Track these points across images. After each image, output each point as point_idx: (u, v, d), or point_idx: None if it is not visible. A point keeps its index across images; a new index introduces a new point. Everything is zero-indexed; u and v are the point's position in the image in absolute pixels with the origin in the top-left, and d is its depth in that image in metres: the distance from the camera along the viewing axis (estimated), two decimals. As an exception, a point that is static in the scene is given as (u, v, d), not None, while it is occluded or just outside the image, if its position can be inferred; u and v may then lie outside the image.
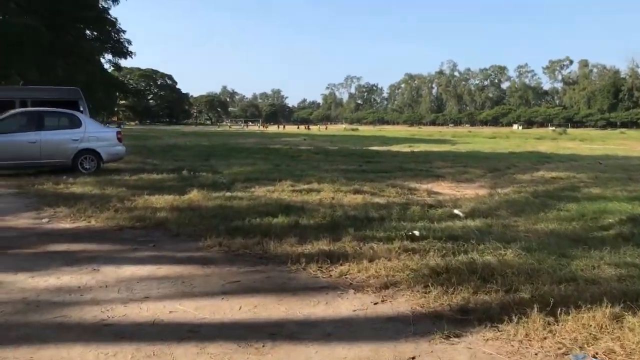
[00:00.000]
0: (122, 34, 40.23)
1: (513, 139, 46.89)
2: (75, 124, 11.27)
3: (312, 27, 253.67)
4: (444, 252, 4.69)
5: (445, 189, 10.34)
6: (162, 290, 3.87)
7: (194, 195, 7.81)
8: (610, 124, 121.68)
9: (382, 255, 4.62)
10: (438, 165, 15.41)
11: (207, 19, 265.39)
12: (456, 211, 7.16)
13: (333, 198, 8.10)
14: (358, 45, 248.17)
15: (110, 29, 38.81)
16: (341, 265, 4.42)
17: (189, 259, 4.72)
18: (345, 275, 4.22)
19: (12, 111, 11.62)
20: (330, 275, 4.24)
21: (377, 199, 8.17)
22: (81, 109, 14.29)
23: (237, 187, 9.23)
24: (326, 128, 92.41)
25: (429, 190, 9.78)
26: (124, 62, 46.78)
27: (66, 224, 6.16)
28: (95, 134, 11.37)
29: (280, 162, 15.17)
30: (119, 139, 11.80)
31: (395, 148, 26.61)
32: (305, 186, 9.29)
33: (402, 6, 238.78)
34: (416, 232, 5.59)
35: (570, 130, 76.83)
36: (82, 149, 11.08)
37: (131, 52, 41.06)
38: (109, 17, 38.36)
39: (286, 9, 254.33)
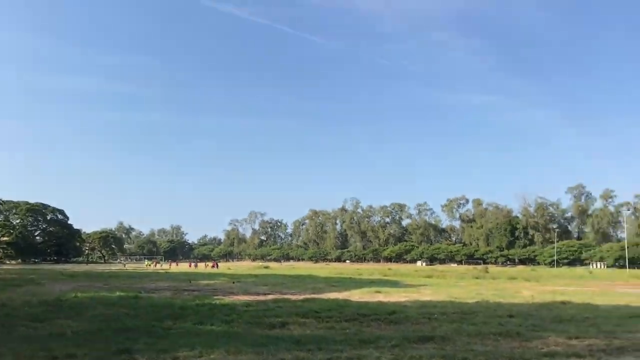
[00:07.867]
0: None
1: (449, 278, 41.04)
2: None
3: (216, 166, 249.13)
4: None
5: None
6: None
7: None
8: (510, 260, 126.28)
9: None
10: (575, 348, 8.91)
11: (102, 154, 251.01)
12: None
13: None
14: (262, 181, 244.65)
15: None
16: None
17: None
18: None
19: None
20: None
21: None
22: None
23: None
24: (212, 266, 78.76)
25: None
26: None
27: None
28: None
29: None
30: None
31: (360, 295, 20.10)
32: None
33: (306, 148, 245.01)
34: None
35: (485, 267, 74.53)
36: None
37: None
38: None
39: (182, 152, 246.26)
